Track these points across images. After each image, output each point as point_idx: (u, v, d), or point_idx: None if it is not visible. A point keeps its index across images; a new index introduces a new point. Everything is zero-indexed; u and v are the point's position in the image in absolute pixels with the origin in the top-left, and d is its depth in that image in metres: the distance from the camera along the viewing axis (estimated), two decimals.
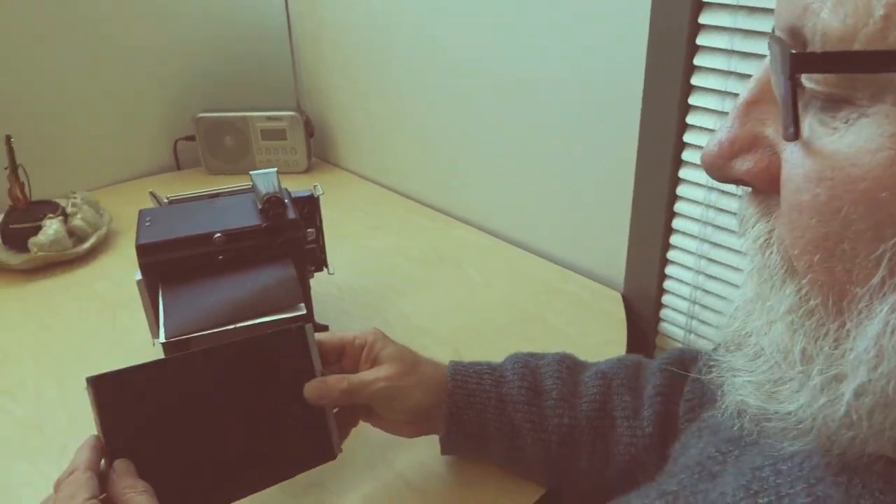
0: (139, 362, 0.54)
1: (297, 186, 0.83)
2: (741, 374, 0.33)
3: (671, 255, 0.89)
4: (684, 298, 0.89)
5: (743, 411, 0.33)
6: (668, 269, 0.90)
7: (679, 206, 0.85)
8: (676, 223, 0.86)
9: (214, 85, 1.44)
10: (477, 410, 0.61)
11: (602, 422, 0.60)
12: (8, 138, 1.04)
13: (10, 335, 0.90)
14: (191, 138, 1.40)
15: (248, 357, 0.56)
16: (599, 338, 0.87)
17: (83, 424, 0.73)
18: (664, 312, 0.93)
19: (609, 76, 0.88)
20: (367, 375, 0.59)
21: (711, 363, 0.36)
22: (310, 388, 0.56)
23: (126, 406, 0.52)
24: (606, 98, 0.89)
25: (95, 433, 0.52)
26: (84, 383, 0.52)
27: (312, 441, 0.57)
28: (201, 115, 1.36)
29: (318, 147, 1.49)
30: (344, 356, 0.61)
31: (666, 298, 0.92)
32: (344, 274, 1.02)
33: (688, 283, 0.88)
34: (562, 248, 1.05)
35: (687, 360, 0.62)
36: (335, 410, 0.59)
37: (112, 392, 0.52)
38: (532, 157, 1.04)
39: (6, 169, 1.06)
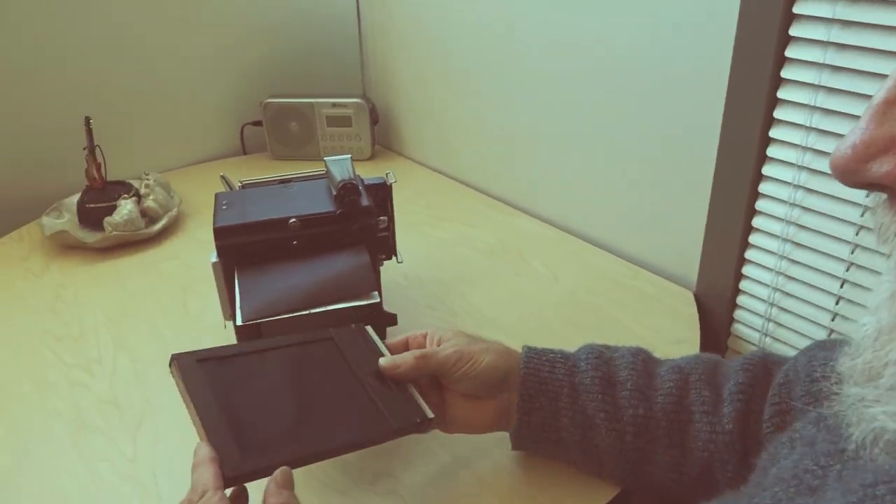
0: (212, 345, 0.56)
1: (361, 174, 0.83)
2: (876, 405, 0.31)
3: (750, 254, 0.86)
4: (762, 300, 0.86)
5: (879, 438, 0.31)
6: (746, 269, 0.87)
7: (761, 204, 0.83)
8: (757, 221, 0.84)
9: (283, 72, 1.45)
10: (549, 398, 0.60)
11: (679, 415, 0.58)
12: (87, 119, 1.07)
13: (86, 312, 0.93)
14: (258, 123, 1.42)
15: (315, 351, 0.59)
16: (670, 336, 0.85)
17: (157, 403, 0.75)
18: (738, 314, 0.90)
19: (692, 64, 0.85)
20: (436, 347, 0.61)
21: (826, 392, 0.34)
22: (384, 360, 0.59)
23: (210, 383, 0.53)
24: (687, 87, 0.87)
25: (183, 412, 0.53)
26: (166, 361, 0.54)
27: (400, 408, 0.56)
28: (269, 100, 1.37)
29: (381, 135, 1.50)
30: (409, 347, 0.63)
31: (741, 299, 0.89)
32: (409, 263, 1.02)
33: (766, 285, 0.85)
34: (632, 242, 1.03)
35: (771, 363, 0.60)
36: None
37: (197, 370, 0.53)
38: (603, 148, 1.02)
39: (84, 149, 1.09)
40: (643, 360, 0.62)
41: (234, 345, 0.59)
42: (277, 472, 0.49)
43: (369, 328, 0.63)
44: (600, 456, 0.60)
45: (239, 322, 0.64)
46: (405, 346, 0.63)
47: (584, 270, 1.00)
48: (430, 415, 0.57)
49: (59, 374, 0.81)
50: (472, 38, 1.18)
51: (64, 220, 1.12)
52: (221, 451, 0.48)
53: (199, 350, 0.56)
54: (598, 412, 0.59)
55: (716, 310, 0.92)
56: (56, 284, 1.00)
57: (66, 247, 1.09)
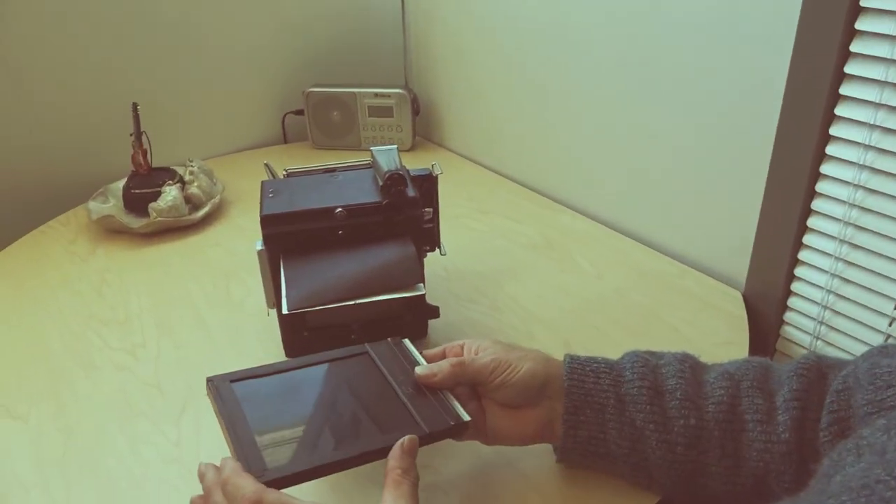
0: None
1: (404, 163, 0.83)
2: None
3: (803, 255, 0.84)
4: (815, 303, 0.84)
5: None
6: (799, 271, 0.85)
7: (818, 204, 0.80)
8: (813, 221, 0.81)
9: (325, 61, 1.46)
10: (595, 410, 0.59)
11: (732, 425, 0.57)
12: (134, 106, 1.08)
13: (130, 296, 0.94)
14: (299, 112, 1.43)
15: (351, 366, 0.60)
16: (718, 338, 0.83)
17: (199, 389, 0.75)
18: (789, 316, 0.88)
19: (747, 58, 0.83)
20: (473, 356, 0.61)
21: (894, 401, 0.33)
22: (420, 369, 0.59)
23: (242, 401, 0.54)
24: (743, 80, 0.85)
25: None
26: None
27: (435, 414, 0.56)
28: (311, 89, 1.38)
29: (422, 126, 1.50)
30: (446, 356, 0.63)
31: (793, 301, 0.87)
32: (451, 255, 1.01)
33: (820, 287, 0.83)
34: (680, 240, 1.01)
35: (826, 368, 0.59)
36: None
37: (230, 390, 0.55)
38: (652, 145, 1.00)
39: (131, 135, 1.10)
40: (691, 367, 0.60)
41: (268, 365, 0.59)
42: (405, 438, 0.51)
43: (406, 341, 0.63)
44: (650, 469, 0.59)
45: (285, 311, 0.64)
46: (442, 356, 0.62)
47: (630, 268, 0.99)
48: (466, 418, 0.56)
49: (105, 357, 0.82)
50: (519, 26, 1.17)
51: (110, 204, 1.14)
52: (250, 462, 0.49)
53: (234, 371, 0.58)
54: (646, 423, 0.57)
55: (765, 311, 0.90)
56: (102, 268, 1.01)
57: (111, 231, 1.11)
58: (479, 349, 0.62)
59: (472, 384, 0.60)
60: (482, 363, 0.59)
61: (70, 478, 0.65)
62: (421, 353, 0.62)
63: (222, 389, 0.55)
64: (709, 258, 0.97)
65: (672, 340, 0.82)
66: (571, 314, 0.88)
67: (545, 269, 0.98)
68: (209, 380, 0.56)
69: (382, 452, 0.51)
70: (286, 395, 0.56)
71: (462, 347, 0.63)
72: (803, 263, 0.85)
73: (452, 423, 0.55)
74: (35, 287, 0.97)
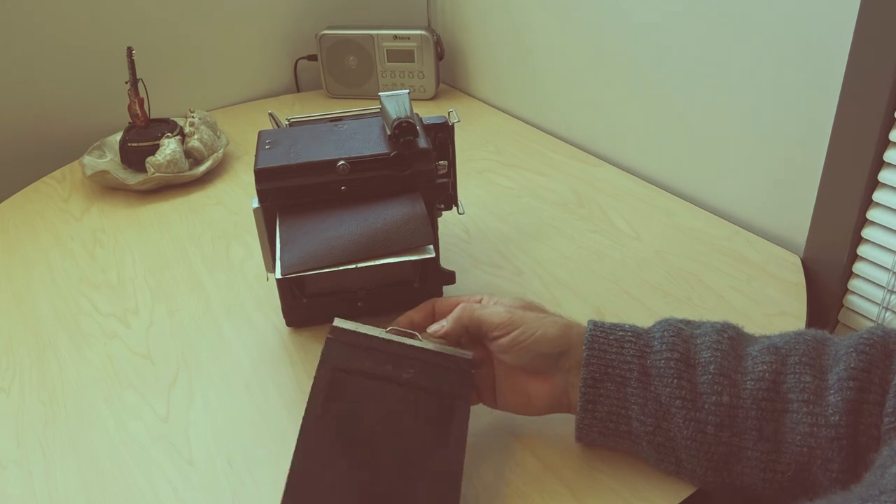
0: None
1: (426, 114, 0.79)
2: None
3: (872, 214, 0.78)
4: (885, 268, 0.79)
5: None
6: (867, 232, 0.80)
7: (891, 155, 0.75)
8: (885, 176, 0.76)
9: (340, 0, 1.41)
10: (616, 384, 0.56)
11: (773, 404, 0.53)
12: (129, 50, 1.06)
13: (125, 257, 0.93)
14: (312, 58, 1.39)
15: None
16: (771, 308, 0.79)
17: (193, 360, 0.74)
18: (854, 283, 0.83)
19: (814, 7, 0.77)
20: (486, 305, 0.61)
21: None
22: (431, 327, 0.61)
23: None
24: (807, 30, 0.79)
25: None
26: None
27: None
28: (324, 32, 1.34)
29: (446, 72, 1.45)
30: None
31: (859, 267, 0.82)
32: (472, 215, 0.98)
33: (892, 250, 0.77)
34: (728, 197, 0.96)
35: (893, 344, 0.54)
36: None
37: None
38: (702, 87, 0.95)
39: (127, 83, 1.08)
40: (730, 339, 0.56)
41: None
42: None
43: (343, 323, 0.59)
44: (677, 451, 0.55)
45: (278, 275, 0.62)
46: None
47: (673, 229, 0.94)
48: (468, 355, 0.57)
49: (94, 324, 0.81)
50: None
51: (106, 159, 1.13)
52: None
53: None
54: (672, 399, 0.54)
55: (827, 278, 0.85)
56: (95, 228, 1.00)
57: (107, 188, 1.09)
58: (499, 303, 0.61)
59: (479, 337, 0.60)
60: (489, 313, 0.59)
61: (51, 454, 0.64)
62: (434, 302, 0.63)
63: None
64: (763, 217, 0.93)
65: (719, 310, 0.78)
66: (604, 280, 0.84)
67: (577, 230, 0.94)
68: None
69: None
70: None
71: (482, 300, 0.62)
72: (872, 223, 0.79)
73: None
74: (25, 247, 0.96)
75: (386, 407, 0.55)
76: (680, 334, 0.57)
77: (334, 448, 0.53)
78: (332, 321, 0.58)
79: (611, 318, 0.77)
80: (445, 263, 0.84)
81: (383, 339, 0.58)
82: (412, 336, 0.59)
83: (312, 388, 0.55)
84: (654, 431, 0.55)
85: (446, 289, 0.79)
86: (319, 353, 0.56)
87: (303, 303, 0.72)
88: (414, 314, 0.64)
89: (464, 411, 0.56)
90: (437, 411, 0.56)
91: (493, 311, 0.59)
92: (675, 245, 0.90)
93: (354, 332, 0.58)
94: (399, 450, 0.54)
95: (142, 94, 1.10)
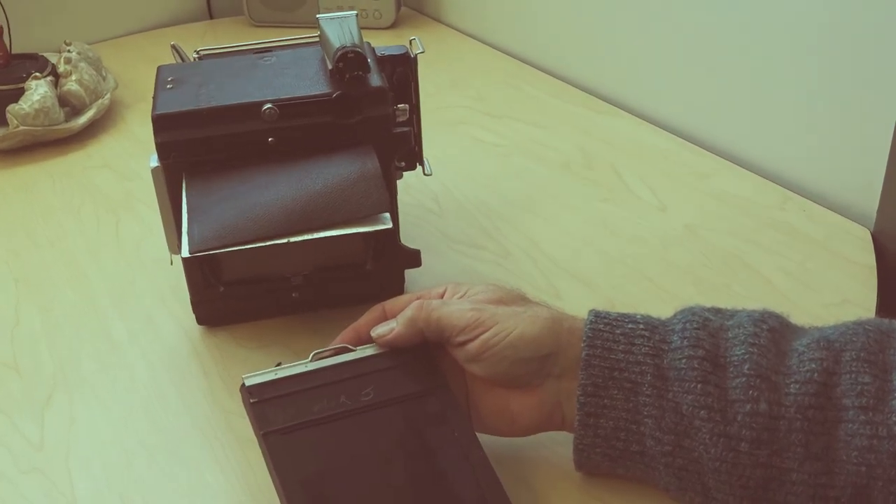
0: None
1: (381, 45, 0.81)
2: None
3: None
4: None
5: None
6: None
7: None
8: None
9: None
10: (625, 391, 0.58)
11: (823, 413, 0.55)
12: None
13: None
14: None
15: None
16: (831, 295, 0.82)
17: (73, 370, 0.75)
18: None
19: None
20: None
21: None
22: (376, 329, 0.62)
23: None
24: None
25: None
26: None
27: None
28: None
29: None
30: None
31: None
32: (445, 179, 1.00)
33: None
34: (779, 158, 1.00)
35: None
36: None
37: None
38: (742, 18, 0.98)
39: None
40: (771, 331, 0.59)
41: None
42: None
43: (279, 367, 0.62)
44: (703, 476, 0.58)
45: (185, 254, 0.63)
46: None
47: (707, 196, 0.97)
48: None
49: None
50: None
51: None
52: None
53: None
54: (696, 409, 0.56)
55: None
56: None
57: None
58: (468, 295, 0.62)
59: (441, 342, 0.61)
60: (453, 312, 0.59)
61: None
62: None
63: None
64: (823, 183, 0.96)
65: (765, 300, 0.81)
66: (618, 263, 0.87)
67: (583, 199, 0.97)
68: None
69: None
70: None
71: (442, 295, 0.63)
72: None
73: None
74: None
75: (363, 442, 0.57)
76: (706, 326, 0.59)
77: None
78: (242, 384, 0.59)
79: (625, 310, 0.79)
80: (409, 241, 0.86)
81: (315, 370, 0.59)
82: (343, 351, 0.61)
83: (271, 473, 0.56)
84: (674, 451, 0.57)
85: (411, 276, 0.81)
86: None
87: (219, 292, 0.74)
88: (360, 324, 0.65)
89: (448, 398, 0.59)
90: (422, 414, 0.58)
91: (455, 308, 0.60)
92: (711, 217, 0.93)
93: (273, 380, 0.59)
94: (407, 475, 0.56)
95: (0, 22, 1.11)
